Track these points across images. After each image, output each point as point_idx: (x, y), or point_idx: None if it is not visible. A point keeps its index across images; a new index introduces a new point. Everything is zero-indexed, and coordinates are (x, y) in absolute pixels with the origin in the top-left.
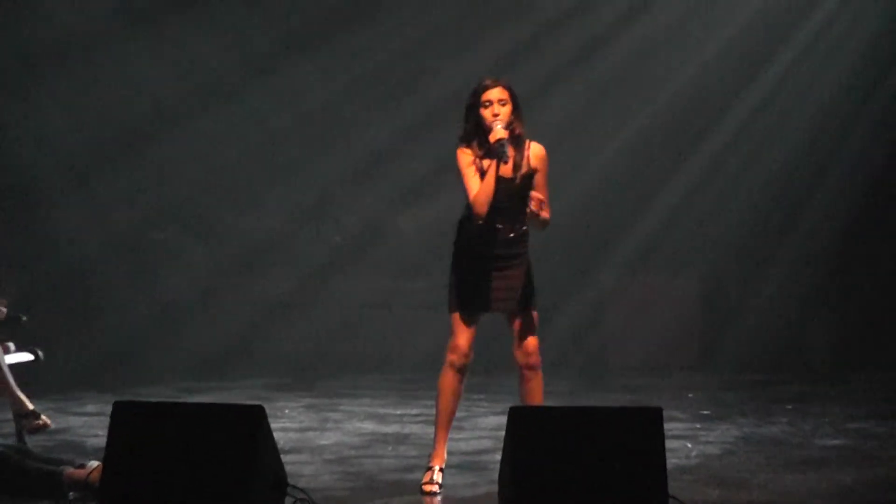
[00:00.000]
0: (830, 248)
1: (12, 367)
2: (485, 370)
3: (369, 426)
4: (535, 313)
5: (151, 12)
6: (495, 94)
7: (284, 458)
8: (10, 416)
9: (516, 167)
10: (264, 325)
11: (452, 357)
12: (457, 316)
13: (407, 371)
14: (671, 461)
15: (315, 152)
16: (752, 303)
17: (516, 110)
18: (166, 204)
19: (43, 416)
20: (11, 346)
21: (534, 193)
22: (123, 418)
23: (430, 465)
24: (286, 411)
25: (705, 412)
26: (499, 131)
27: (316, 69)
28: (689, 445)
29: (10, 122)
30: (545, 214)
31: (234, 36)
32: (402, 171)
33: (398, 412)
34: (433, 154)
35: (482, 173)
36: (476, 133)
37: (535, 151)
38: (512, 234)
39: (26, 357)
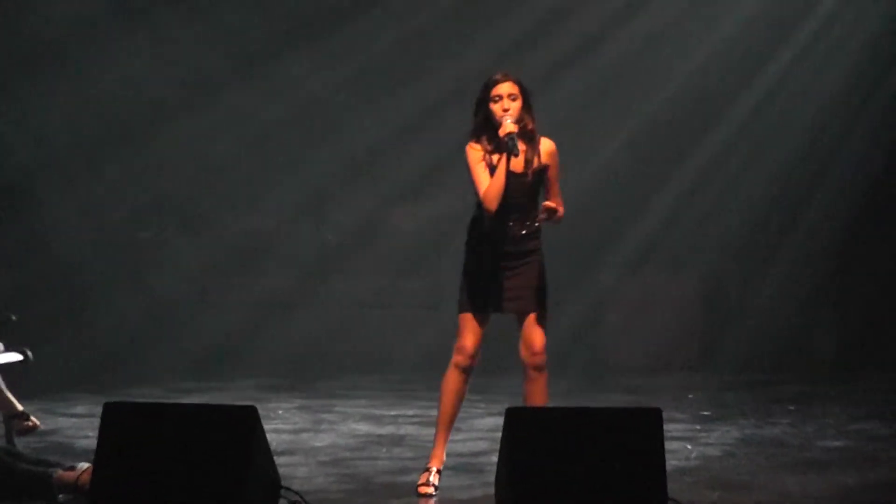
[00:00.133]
0: (832, 248)
1: (1, 367)
2: (483, 370)
3: (364, 427)
4: (543, 313)
5: (143, 8)
6: (505, 88)
7: (278, 459)
8: None
9: (527, 162)
10: (257, 324)
11: (458, 358)
12: (465, 316)
13: (403, 371)
14: (671, 463)
15: (310, 149)
16: (752, 302)
17: (527, 105)
18: (159, 201)
19: (32, 418)
20: (0, 345)
21: (545, 203)
22: (114, 419)
23: (428, 466)
24: (280, 412)
25: (705, 413)
26: (508, 125)
27: (310, 64)
28: (689, 447)
29: None
30: (559, 216)
31: (226, 31)
32: (399, 168)
33: (393, 413)
34: (430, 151)
35: (492, 169)
36: (486, 128)
37: (545, 147)
38: (524, 231)
39: (15, 357)
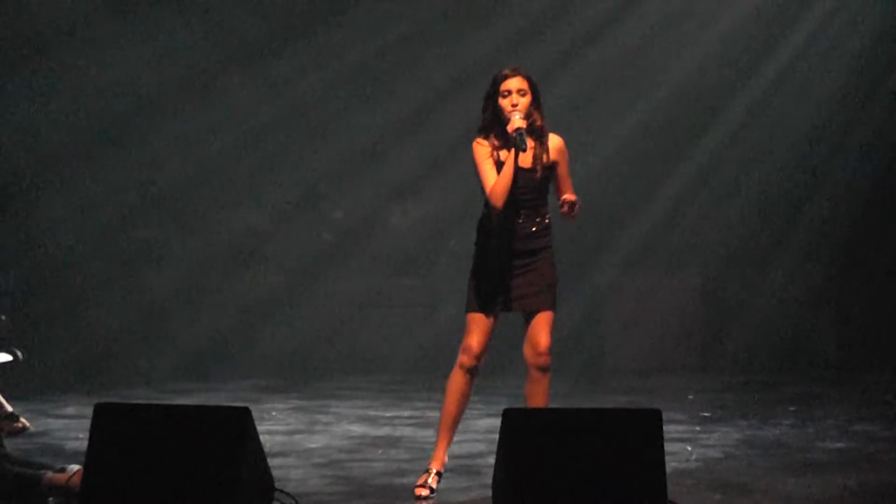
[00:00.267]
0: (835, 246)
1: None
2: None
3: (359, 429)
4: (551, 313)
5: (137, 4)
6: (514, 83)
7: (271, 461)
8: None
9: (536, 158)
10: (251, 324)
11: (463, 358)
12: (472, 316)
13: (399, 372)
14: (670, 465)
15: (304, 146)
16: (754, 301)
17: (536, 101)
18: (153, 200)
19: (22, 419)
20: None
21: (565, 196)
22: (105, 421)
23: (428, 467)
24: (273, 413)
25: (706, 414)
26: (517, 121)
27: (305, 60)
28: (689, 448)
29: None
30: (578, 208)
31: (219, 25)
32: (395, 166)
33: (389, 414)
34: (427, 149)
35: (499, 165)
36: (494, 124)
37: (553, 143)
38: (534, 228)
39: (5, 357)
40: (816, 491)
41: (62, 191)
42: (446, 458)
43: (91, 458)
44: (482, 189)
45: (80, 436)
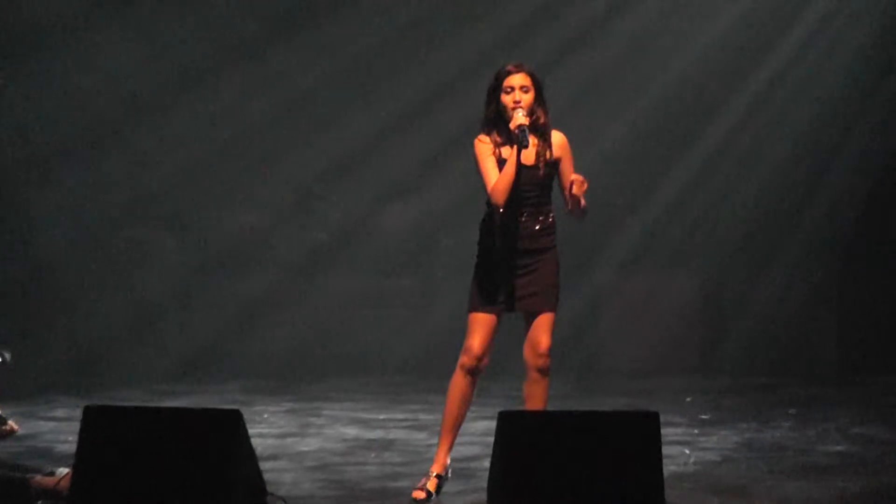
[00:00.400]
0: (836, 246)
1: None
2: None
3: (352, 431)
4: (553, 314)
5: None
6: (517, 80)
7: (263, 465)
8: None
9: (538, 155)
10: (242, 325)
11: (464, 359)
12: (473, 316)
13: (392, 374)
14: (668, 468)
15: (297, 145)
16: (753, 303)
17: (539, 98)
18: (140, 198)
19: (10, 422)
20: None
21: (573, 176)
22: (94, 423)
23: (429, 471)
24: (265, 416)
25: (704, 417)
26: (519, 118)
27: (297, 57)
28: (688, 452)
29: None
30: (585, 188)
31: (211, 23)
32: (389, 164)
33: (382, 417)
34: (421, 147)
35: (501, 162)
36: (497, 121)
37: (556, 140)
38: (537, 227)
39: None
40: (816, 495)
41: (50, 190)
42: (448, 461)
43: (80, 462)
44: (484, 187)
45: (69, 439)
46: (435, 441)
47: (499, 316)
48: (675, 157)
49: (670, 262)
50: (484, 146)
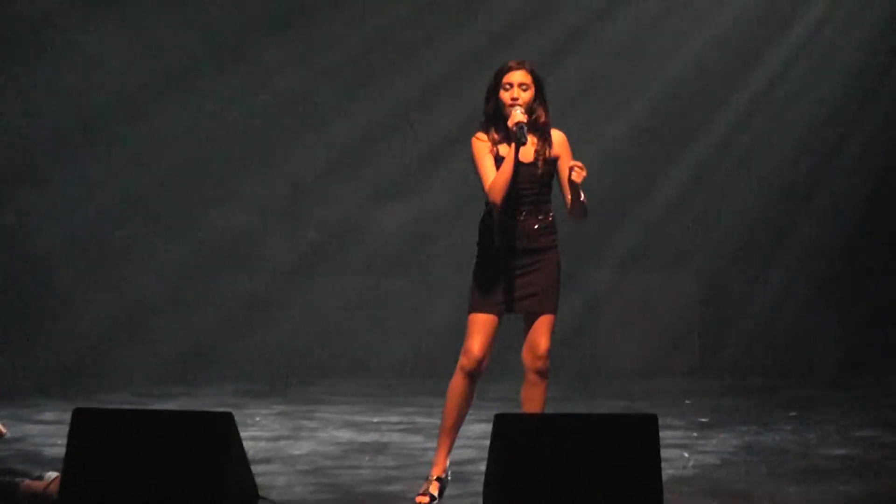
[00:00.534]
0: (836, 246)
1: None
2: None
3: (346, 435)
4: (552, 316)
5: None
6: (517, 77)
7: (255, 468)
8: None
9: (538, 153)
10: (234, 327)
11: (463, 361)
12: (472, 317)
13: (387, 376)
14: (667, 472)
15: (290, 143)
16: (753, 303)
17: (539, 96)
18: (130, 198)
19: None
20: None
21: (573, 162)
22: (84, 426)
23: (429, 475)
24: (257, 419)
25: (703, 419)
26: (517, 115)
27: (288, 54)
28: (687, 455)
29: None
30: (584, 174)
31: (202, 19)
32: (383, 163)
33: (376, 420)
34: (416, 145)
35: (499, 161)
36: (496, 117)
37: (555, 138)
38: (536, 226)
39: None
40: (817, 499)
41: (38, 188)
42: (447, 464)
43: (69, 465)
44: (482, 186)
45: (58, 442)
46: (430, 444)
47: (499, 317)
48: (674, 156)
49: (669, 262)
50: (481, 143)
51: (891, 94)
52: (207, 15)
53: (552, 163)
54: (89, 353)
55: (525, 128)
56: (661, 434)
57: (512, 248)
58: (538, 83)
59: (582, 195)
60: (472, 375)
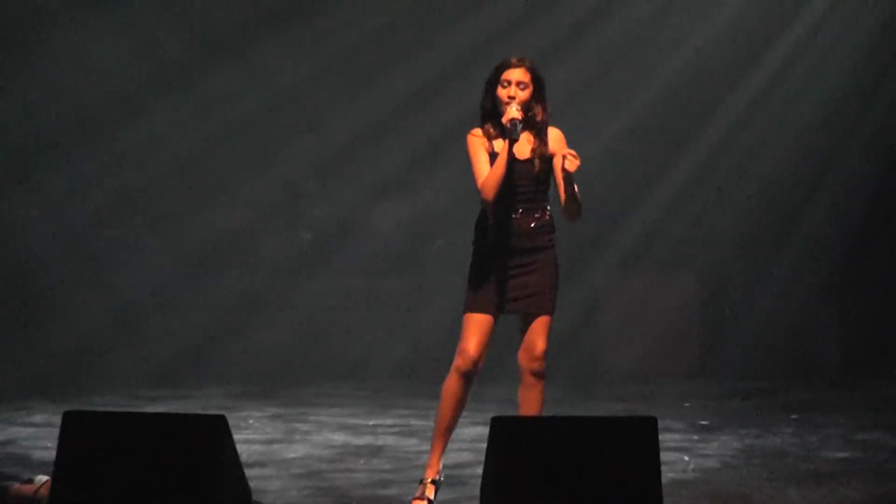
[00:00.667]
0: (839, 246)
1: None
2: None
3: (340, 438)
4: (549, 317)
5: None
6: (516, 74)
7: (249, 472)
8: None
9: (534, 150)
10: (227, 328)
11: (459, 362)
12: (469, 317)
13: (382, 378)
14: (667, 475)
15: (284, 142)
16: (754, 304)
17: (538, 95)
18: (122, 197)
19: None
20: None
21: (565, 150)
22: (74, 429)
23: (423, 478)
24: (251, 421)
25: (704, 422)
26: (512, 111)
27: (284, 51)
28: (687, 458)
29: None
30: (578, 164)
31: (195, 16)
32: (379, 162)
33: (371, 423)
34: (412, 144)
35: (495, 156)
36: (493, 113)
37: (551, 135)
38: (532, 225)
39: None
40: (819, 502)
41: (30, 188)
42: (441, 466)
43: (59, 469)
44: (475, 184)
45: (49, 445)
46: (427, 447)
47: (495, 317)
48: (675, 155)
49: (669, 262)
50: (476, 140)
51: (891, 95)
52: (201, 13)
53: (548, 160)
54: (80, 354)
55: (518, 125)
56: (661, 437)
57: (508, 247)
58: (537, 82)
59: (576, 190)
60: (468, 376)
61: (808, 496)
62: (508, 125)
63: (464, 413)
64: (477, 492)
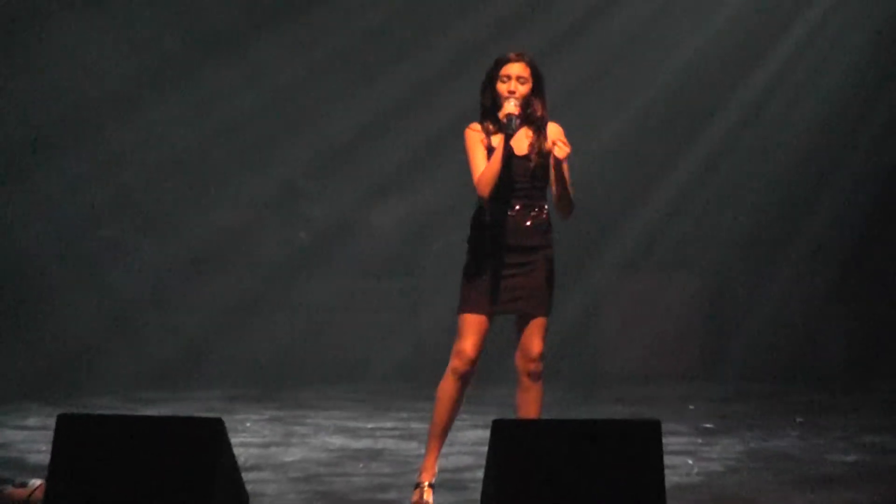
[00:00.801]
0: (844, 245)
1: None
2: None
3: (339, 441)
4: (546, 318)
5: None
6: (516, 69)
7: (246, 475)
8: None
9: (532, 146)
10: (224, 329)
11: (455, 362)
12: (464, 317)
13: (380, 380)
14: (671, 479)
15: (281, 141)
16: (758, 306)
17: (538, 91)
18: (118, 198)
19: None
20: None
21: (556, 137)
22: (69, 432)
23: (419, 481)
24: (247, 424)
25: (708, 425)
26: (510, 107)
27: (281, 49)
28: (691, 462)
29: None
30: (567, 152)
31: (190, 13)
32: (375, 161)
33: (370, 426)
34: (410, 144)
35: (492, 151)
36: (492, 108)
37: (550, 131)
38: (529, 223)
39: None
40: None
41: (22, 187)
42: (437, 469)
43: (54, 473)
44: (471, 180)
45: (43, 448)
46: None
47: (490, 318)
48: (677, 155)
49: (672, 263)
50: (474, 134)
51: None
52: (195, 11)
53: (546, 156)
54: (74, 356)
55: (515, 120)
56: (665, 440)
57: (504, 245)
58: (537, 77)
59: (569, 186)
60: (465, 378)
61: (814, 500)
62: (504, 119)
63: (464, 416)
64: (478, 496)
